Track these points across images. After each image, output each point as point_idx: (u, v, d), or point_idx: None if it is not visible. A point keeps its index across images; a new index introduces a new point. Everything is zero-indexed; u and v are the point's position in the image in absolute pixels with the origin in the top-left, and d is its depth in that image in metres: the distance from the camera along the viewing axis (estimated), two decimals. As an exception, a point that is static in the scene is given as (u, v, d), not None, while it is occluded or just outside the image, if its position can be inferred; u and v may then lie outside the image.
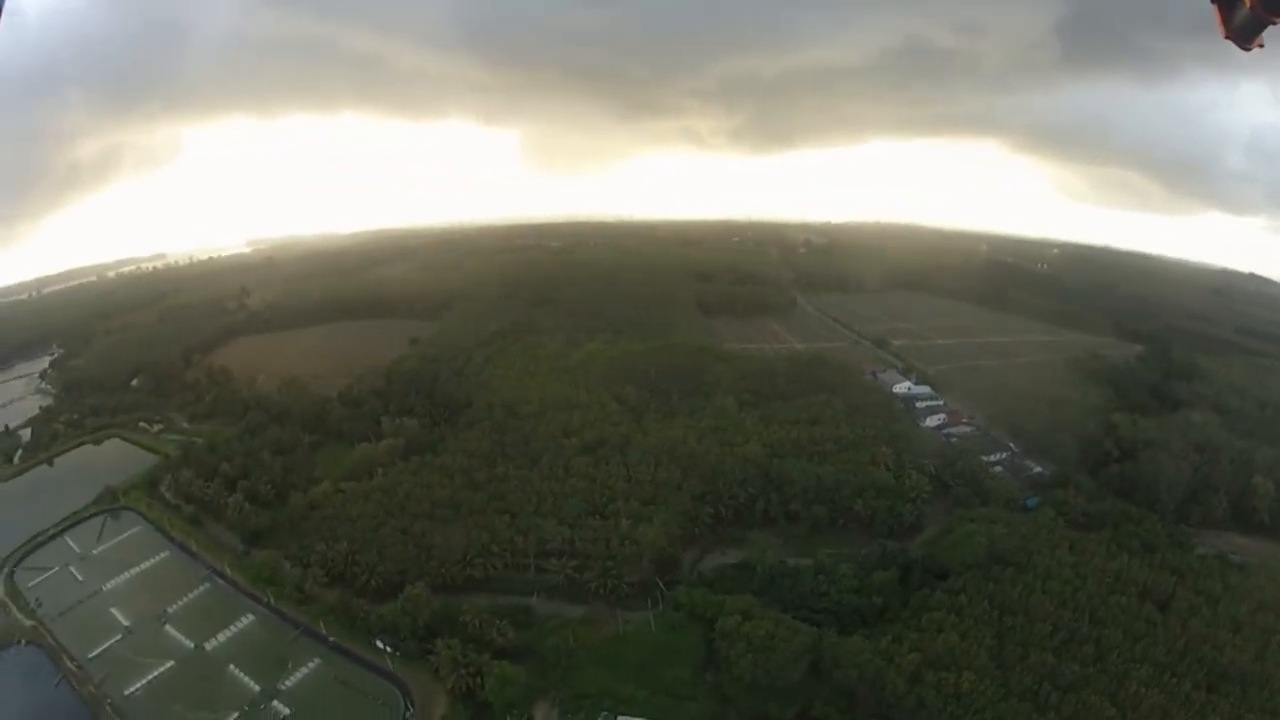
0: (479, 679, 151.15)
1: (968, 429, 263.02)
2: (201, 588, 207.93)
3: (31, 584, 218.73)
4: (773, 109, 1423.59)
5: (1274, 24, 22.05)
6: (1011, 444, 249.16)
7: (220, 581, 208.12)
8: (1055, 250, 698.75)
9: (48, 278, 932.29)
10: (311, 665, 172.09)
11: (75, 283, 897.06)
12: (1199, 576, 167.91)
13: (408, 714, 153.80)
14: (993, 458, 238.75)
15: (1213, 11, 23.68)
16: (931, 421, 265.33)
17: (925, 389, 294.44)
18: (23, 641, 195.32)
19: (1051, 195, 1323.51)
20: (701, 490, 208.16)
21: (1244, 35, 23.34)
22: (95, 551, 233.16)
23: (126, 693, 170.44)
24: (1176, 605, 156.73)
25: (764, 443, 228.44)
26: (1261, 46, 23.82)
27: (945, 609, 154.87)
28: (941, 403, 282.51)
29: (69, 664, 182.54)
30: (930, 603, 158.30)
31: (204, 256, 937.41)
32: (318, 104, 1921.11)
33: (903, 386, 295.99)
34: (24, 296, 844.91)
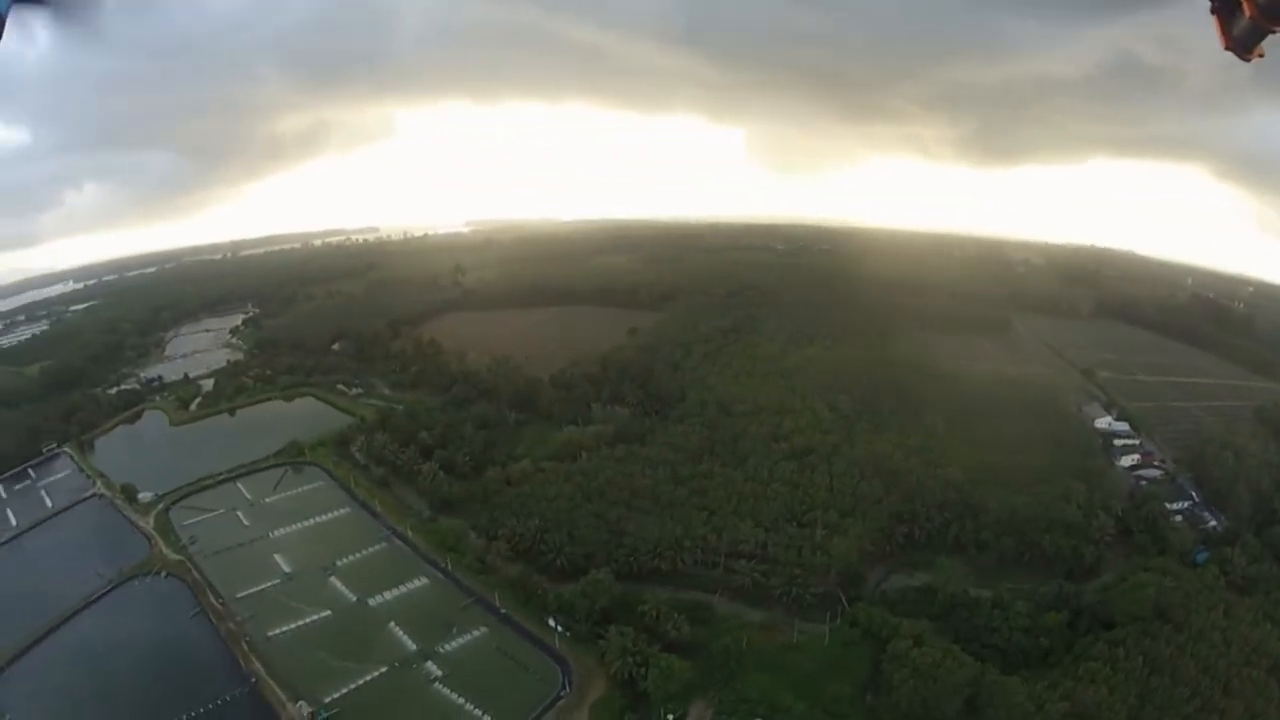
0: (643, 669, 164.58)
1: (1157, 473, 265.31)
2: (377, 546, 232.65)
3: (188, 522, 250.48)
4: (994, 120, 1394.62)
5: (1275, 32, 25.26)
6: (1194, 493, 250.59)
7: (398, 543, 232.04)
8: (1250, 289, 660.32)
9: (244, 241, 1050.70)
10: (476, 633, 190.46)
11: (276, 248, 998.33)
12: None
13: (562, 693, 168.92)
14: (1175, 505, 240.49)
15: (1213, 23, 26.83)
16: (1125, 461, 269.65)
17: (1124, 426, 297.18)
18: (163, 573, 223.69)
19: (1249, 227, 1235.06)
20: (900, 509, 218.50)
21: (1244, 44, 26.69)
22: (268, 500, 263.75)
23: (270, 634, 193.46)
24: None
25: (965, 466, 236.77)
26: (1262, 56, 27.06)
27: (1103, 660, 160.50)
28: (1138, 442, 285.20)
29: (212, 600, 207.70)
30: (1091, 651, 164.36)
31: (419, 233, 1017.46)
32: (541, 92, 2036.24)
33: (1103, 421, 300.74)
34: (218, 257, 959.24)
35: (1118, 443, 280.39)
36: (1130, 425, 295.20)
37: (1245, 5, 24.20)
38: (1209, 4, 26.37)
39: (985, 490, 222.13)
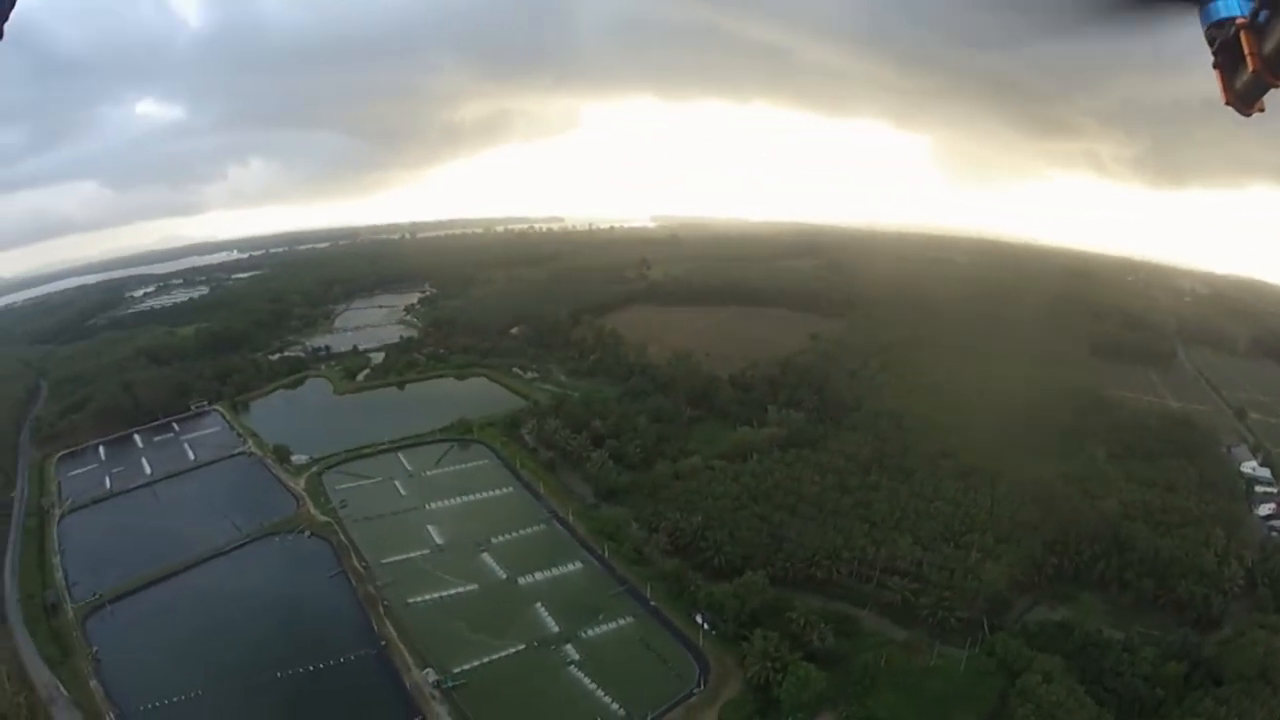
0: (780, 675, 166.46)
1: None
2: (536, 528, 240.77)
3: (341, 486, 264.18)
4: (1168, 139, 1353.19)
5: (1277, 86, 25.41)
6: None
7: (558, 526, 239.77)
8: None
9: (424, 223, 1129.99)
10: (621, 622, 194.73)
11: (457, 231, 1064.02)
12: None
13: (696, 689, 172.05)
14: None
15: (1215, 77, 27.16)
16: (1262, 509, 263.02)
17: (1266, 472, 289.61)
18: (306, 532, 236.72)
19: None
20: (1053, 538, 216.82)
21: (1245, 99, 26.81)
22: (429, 473, 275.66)
23: (409, 601, 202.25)
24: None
25: (1121, 501, 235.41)
26: (1262, 111, 27.40)
27: (1206, 717, 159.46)
28: (1275, 490, 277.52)
29: (355, 562, 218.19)
30: (1198, 708, 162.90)
31: (604, 225, 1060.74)
32: (726, 91, 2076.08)
33: (1249, 465, 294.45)
34: (396, 237, 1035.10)
35: (1258, 489, 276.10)
36: (1271, 472, 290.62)
37: (1249, 58, 24.38)
38: (1211, 59, 26.64)
39: (1136, 529, 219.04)
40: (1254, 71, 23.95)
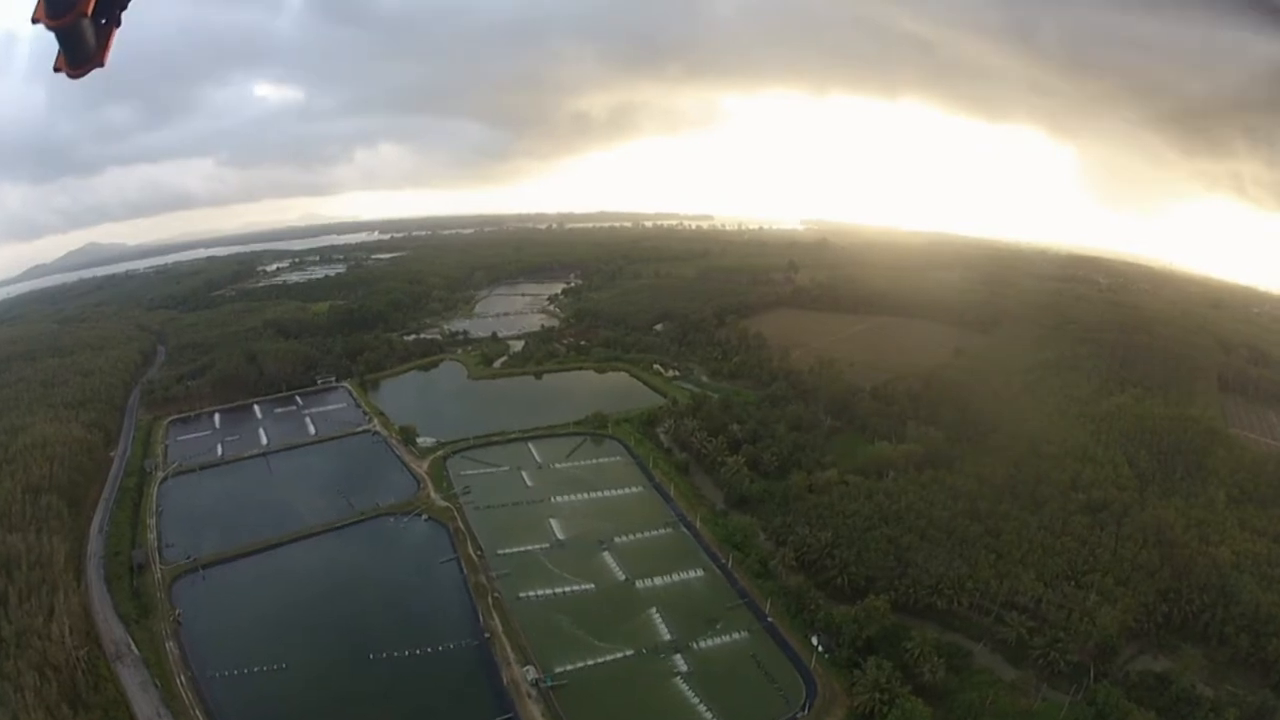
0: (887, 707, 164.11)
1: None
2: (661, 530, 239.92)
3: (466, 472, 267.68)
4: None
5: None
6: None
7: (684, 531, 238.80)
8: None
9: (572, 214, 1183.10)
10: (735, 636, 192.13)
11: (605, 224, 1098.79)
12: None
13: (799, 714, 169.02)
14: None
15: None
16: None
17: None
18: (424, 515, 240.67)
19: None
20: (1167, 585, 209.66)
21: None
22: (558, 465, 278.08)
23: (521, 594, 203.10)
24: None
25: (1233, 551, 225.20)
26: None
27: None
28: None
29: (470, 551, 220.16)
30: None
31: (753, 226, 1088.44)
32: (875, 87, 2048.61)
33: None
34: (543, 227, 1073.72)
35: None
36: None
37: None
38: None
39: (1242, 579, 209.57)
40: None
